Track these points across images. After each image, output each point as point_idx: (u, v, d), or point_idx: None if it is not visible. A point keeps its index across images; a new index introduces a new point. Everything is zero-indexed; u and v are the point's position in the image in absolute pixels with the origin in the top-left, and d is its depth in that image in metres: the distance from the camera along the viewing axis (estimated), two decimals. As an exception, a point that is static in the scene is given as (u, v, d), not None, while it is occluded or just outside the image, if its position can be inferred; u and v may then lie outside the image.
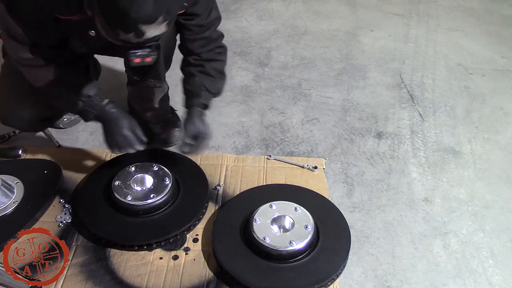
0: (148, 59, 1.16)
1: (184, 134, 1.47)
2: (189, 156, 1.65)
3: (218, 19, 1.51)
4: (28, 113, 1.57)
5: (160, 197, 1.46)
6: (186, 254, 1.40)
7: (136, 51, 1.14)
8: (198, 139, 1.46)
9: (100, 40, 1.23)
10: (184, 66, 1.56)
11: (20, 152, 1.70)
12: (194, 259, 1.39)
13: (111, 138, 1.44)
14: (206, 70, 1.51)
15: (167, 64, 1.65)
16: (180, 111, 1.70)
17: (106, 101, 1.42)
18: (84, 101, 1.39)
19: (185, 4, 1.31)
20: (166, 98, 1.74)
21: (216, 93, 1.56)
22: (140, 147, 1.45)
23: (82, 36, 1.32)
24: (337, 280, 1.34)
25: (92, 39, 1.30)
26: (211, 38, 1.50)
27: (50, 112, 1.67)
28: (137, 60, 1.15)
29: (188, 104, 1.52)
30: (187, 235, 1.46)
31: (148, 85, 1.64)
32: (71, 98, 1.40)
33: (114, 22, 1.07)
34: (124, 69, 1.67)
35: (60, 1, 1.19)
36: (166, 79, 1.69)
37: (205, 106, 1.52)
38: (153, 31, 1.08)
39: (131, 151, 1.44)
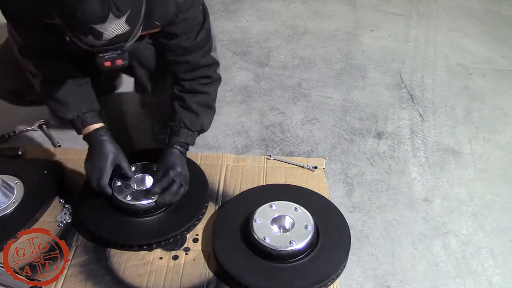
0: (119, 61, 1.13)
1: (154, 180, 1.45)
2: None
3: (207, 42, 1.42)
4: (3, 84, 1.56)
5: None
6: (186, 254, 1.40)
7: (105, 54, 1.11)
8: (171, 186, 1.40)
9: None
10: (170, 99, 1.50)
11: (20, 152, 1.70)
12: (194, 259, 1.39)
13: (92, 162, 1.39)
14: (187, 105, 1.45)
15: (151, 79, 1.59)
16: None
17: (98, 125, 1.40)
18: (74, 117, 1.38)
19: (157, 23, 1.27)
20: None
21: (200, 130, 1.49)
22: (108, 190, 1.40)
23: (64, 40, 1.31)
24: (337, 280, 1.34)
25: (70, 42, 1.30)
26: (197, 64, 1.42)
27: (26, 90, 1.59)
28: (107, 64, 1.12)
29: (168, 143, 1.47)
30: (187, 235, 1.46)
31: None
32: (61, 109, 1.39)
33: (70, 26, 1.06)
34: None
35: (41, 5, 1.17)
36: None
37: (186, 144, 1.48)
38: (111, 30, 1.04)
39: (101, 187, 1.39)
